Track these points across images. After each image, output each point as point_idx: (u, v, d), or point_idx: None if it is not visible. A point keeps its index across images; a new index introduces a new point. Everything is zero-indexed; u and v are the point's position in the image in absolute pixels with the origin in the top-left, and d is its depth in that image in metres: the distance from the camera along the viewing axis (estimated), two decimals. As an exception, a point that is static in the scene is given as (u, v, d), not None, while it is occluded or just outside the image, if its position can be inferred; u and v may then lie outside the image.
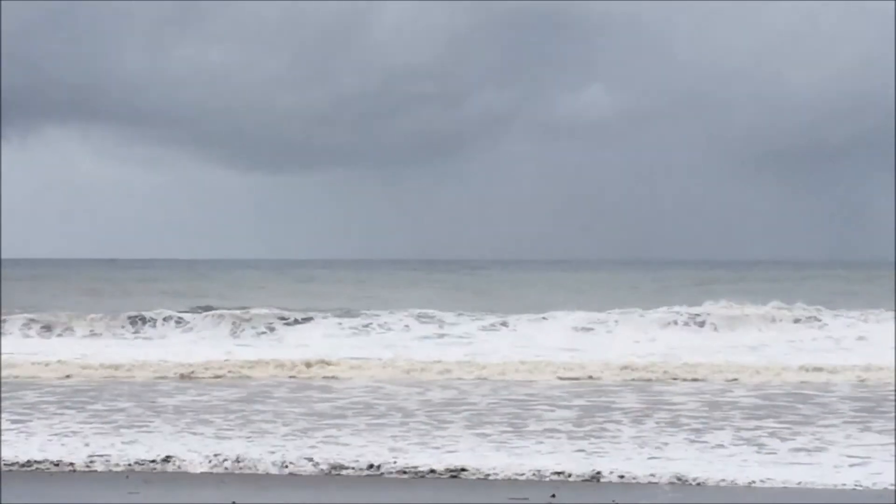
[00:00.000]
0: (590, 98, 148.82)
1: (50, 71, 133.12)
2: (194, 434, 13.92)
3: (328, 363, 21.66)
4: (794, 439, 13.53)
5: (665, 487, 10.80)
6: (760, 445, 13.15)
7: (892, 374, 19.82)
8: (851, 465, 11.84)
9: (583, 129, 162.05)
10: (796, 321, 28.95)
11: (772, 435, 13.85)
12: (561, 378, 20.27)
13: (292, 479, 11.30)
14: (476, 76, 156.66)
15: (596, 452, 12.63)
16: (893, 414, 15.64)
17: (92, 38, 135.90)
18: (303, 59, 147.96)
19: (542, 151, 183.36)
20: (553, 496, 10.28)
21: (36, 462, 11.89)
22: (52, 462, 11.90)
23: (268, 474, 11.47)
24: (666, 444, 13.17)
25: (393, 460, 11.95)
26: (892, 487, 10.65)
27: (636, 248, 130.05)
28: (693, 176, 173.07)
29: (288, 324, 29.76)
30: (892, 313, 27.77)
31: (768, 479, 11.07)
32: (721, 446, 13.03)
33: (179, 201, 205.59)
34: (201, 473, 11.52)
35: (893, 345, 23.88)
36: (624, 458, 12.25)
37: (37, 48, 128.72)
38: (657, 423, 14.87)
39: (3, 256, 77.57)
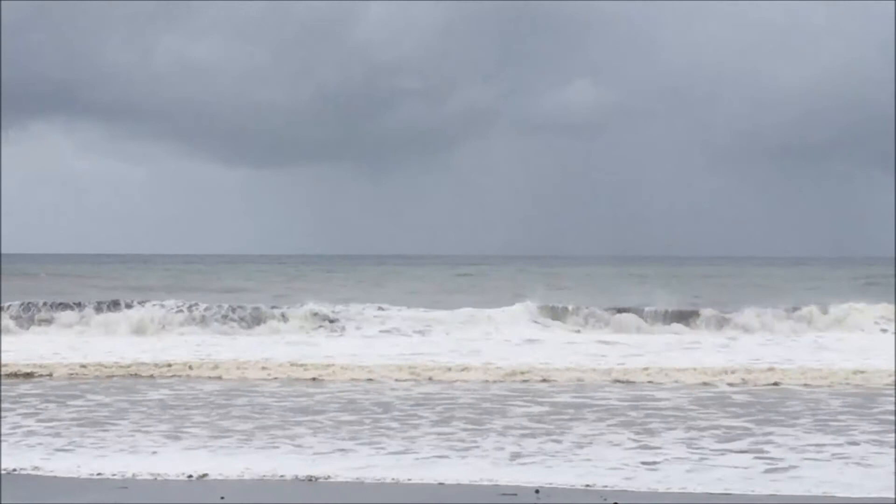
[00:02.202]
0: (576, 94, 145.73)
1: (34, 66, 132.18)
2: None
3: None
4: (733, 441, 13.20)
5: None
6: (691, 445, 12.87)
7: (892, 373, 19.25)
8: (766, 471, 11.40)
9: (569, 126, 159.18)
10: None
11: (714, 436, 13.51)
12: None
13: (283, 480, 11.15)
14: (461, 72, 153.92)
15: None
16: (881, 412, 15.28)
17: (77, 33, 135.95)
18: (288, 54, 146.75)
19: (528, 147, 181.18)
20: (537, 491, 10.32)
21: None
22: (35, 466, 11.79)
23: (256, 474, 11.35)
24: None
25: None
26: (893, 491, 10.33)
27: (623, 245, 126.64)
28: (681, 172, 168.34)
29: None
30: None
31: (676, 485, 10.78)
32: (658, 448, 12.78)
33: (164, 196, 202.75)
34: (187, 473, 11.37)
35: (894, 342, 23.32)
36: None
37: (21, 43, 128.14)
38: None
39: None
